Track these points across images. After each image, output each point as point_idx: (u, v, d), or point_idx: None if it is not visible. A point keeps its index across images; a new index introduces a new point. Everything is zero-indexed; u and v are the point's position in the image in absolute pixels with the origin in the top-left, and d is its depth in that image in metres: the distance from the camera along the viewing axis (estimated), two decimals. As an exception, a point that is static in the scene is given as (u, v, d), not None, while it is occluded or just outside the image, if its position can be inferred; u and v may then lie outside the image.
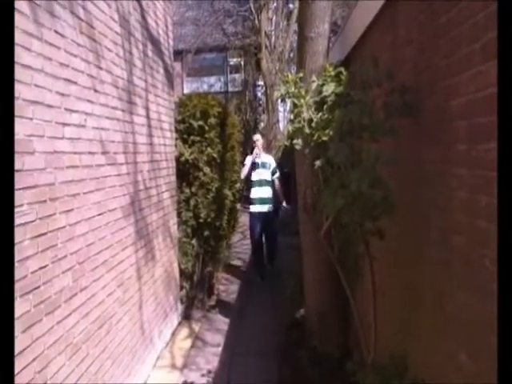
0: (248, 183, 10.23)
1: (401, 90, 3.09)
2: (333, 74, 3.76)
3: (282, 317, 7.18)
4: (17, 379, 2.87)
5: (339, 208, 3.11)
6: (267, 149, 18.72)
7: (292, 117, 3.84)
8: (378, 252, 3.61)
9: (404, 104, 3.05)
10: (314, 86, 3.82)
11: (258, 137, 10.59)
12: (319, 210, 3.77)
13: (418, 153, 3.06)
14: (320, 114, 3.57)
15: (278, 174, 10.32)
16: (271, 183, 10.11)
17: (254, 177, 9.97)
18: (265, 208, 9.93)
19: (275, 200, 10.26)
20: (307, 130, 3.58)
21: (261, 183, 9.93)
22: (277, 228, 10.61)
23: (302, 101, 3.69)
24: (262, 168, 9.99)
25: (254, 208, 10.00)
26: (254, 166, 9.98)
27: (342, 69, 3.77)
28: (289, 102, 4.32)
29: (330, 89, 3.56)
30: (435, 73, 2.79)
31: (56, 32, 3.56)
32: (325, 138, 3.35)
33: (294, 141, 3.75)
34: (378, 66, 3.32)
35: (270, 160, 10.36)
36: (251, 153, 10.18)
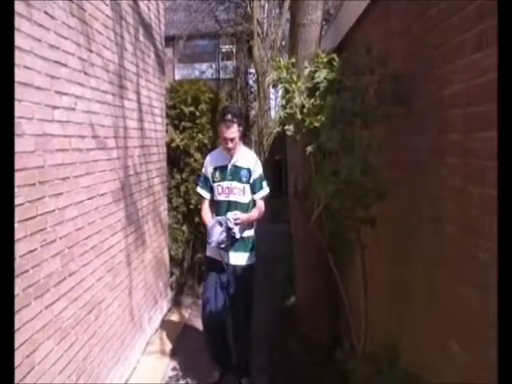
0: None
1: (393, 78, 3.08)
2: (325, 60, 3.75)
3: (272, 304, 7.19)
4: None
5: (330, 194, 3.10)
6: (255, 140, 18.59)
7: (284, 102, 3.82)
8: (369, 240, 3.61)
9: (396, 92, 3.03)
10: (306, 72, 3.81)
11: (228, 119, 5.09)
12: (310, 197, 3.76)
13: (411, 141, 3.05)
14: (312, 100, 3.56)
15: (265, 191, 5.35)
16: (249, 207, 5.29)
17: (218, 195, 5.31)
18: (236, 257, 5.23)
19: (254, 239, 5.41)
20: (299, 116, 3.56)
21: (228, 207, 5.23)
22: (252, 300, 5.40)
23: (294, 86, 3.68)
24: (232, 179, 5.23)
25: (213, 252, 5.31)
26: (219, 172, 5.30)
27: (334, 55, 3.75)
28: (280, 89, 4.31)
29: (322, 75, 3.55)
30: (428, 61, 2.77)
31: (46, 13, 3.51)
32: (317, 124, 3.34)
33: (286, 127, 3.73)
34: (370, 52, 3.31)
35: (251, 163, 5.27)
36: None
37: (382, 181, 2.96)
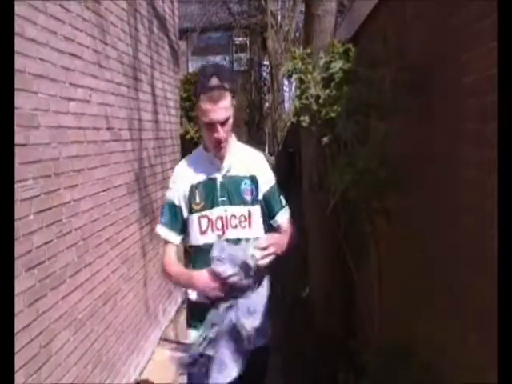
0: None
1: (410, 68, 3.05)
2: (341, 50, 3.73)
3: (286, 296, 7.18)
4: (22, 353, 2.87)
5: (346, 186, 3.09)
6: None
7: (299, 93, 3.81)
8: (384, 231, 3.59)
9: (413, 82, 3.01)
10: (321, 62, 3.79)
11: (214, 85, 2.66)
12: (326, 188, 3.75)
13: (427, 131, 3.03)
14: (327, 90, 3.54)
15: (287, 208, 3.04)
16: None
17: (202, 234, 2.84)
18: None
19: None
20: (314, 107, 3.55)
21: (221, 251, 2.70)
22: None
23: (310, 77, 3.67)
24: (229, 202, 2.82)
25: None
26: (201, 193, 2.84)
27: (350, 45, 3.73)
28: (294, 80, 4.29)
29: (338, 65, 3.53)
30: (445, 50, 2.74)
31: (61, 6, 3.53)
32: (333, 115, 3.33)
33: (301, 118, 3.72)
34: (386, 42, 3.28)
35: (255, 165, 2.95)
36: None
37: (398, 172, 2.94)
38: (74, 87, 3.73)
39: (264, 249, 2.70)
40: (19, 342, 2.83)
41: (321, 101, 3.54)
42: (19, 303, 2.85)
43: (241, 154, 2.95)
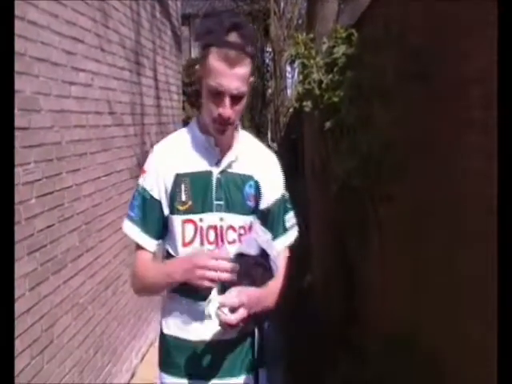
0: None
1: (413, 54, 3.03)
2: (344, 35, 3.71)
3: (288, 283, 7.16)
4: (24, 337, 2.88)
5: (349, 170, 3.08)
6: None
7: (301, 78, 3.80)
8: (386, 218, 3.58)
9: (416, 68, 2.99)
10: (324, 47, 3.78)
11: (234, 41, 1.88)
12: (328, 174, 3.75)
13: (430, 118, 3.01)
14: (330, 75, 3.53)
15: (294, 231, 2.26)
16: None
17: (186, 246, 2.04)
18: None
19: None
20: (317, 92, 3.54)
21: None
22: None
23: (312, 62, 3.65)
24: (227, 207, 2.02)
25: None
26: (188, 189, 2.03)
27: (353, 30, 3.71)
28: (297, 66, 4.28)
29: (340, 50, 3.52)
30: (448, 37, 2.72)
31: (63, -11, 3.51)
32: (335, 100, 3.32)
33: (304, 103, 3.71)
34: (389, 28, 3.26)
35: (262, 165, 2.13)
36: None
37: (401, 158, 2.93)
38: (76, 71, 3.71)
39: (233, 309, 1.83)
40: (21, 325, 2.83)
41: (323, 86, 3.53)
42: (21, 287, 2.85)
43: (249, 149, 2.16)
